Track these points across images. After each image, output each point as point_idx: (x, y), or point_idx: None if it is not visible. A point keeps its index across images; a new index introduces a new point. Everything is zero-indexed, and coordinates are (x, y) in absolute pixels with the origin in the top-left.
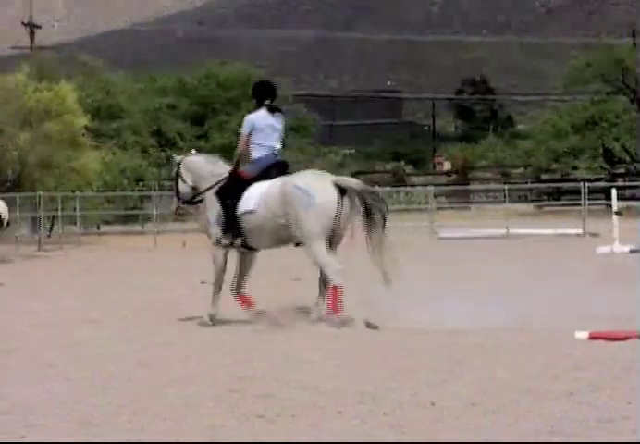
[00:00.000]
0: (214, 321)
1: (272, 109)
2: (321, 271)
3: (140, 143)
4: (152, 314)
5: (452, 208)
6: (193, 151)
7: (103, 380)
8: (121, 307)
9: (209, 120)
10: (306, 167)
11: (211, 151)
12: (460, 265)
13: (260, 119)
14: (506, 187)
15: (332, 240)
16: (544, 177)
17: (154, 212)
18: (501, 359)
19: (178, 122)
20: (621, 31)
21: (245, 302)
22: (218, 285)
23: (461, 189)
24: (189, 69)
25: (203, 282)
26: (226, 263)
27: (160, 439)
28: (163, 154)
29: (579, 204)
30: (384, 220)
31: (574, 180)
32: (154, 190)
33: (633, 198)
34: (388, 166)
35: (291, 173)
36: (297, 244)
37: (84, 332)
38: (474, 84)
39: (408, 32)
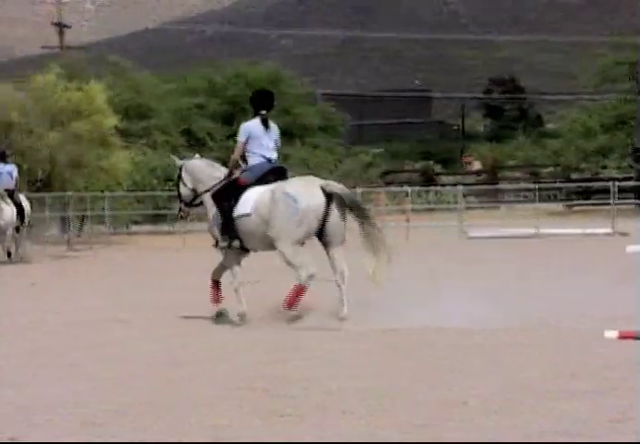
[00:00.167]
0: (244, 320)
1: (265, 121)
2: (337, 272)
3: (169, 143)
4: (180, 314)
5: (482, 208)
6: (196, 155)
7: (126, 380)
8: (150, 307)
9: (238, 120)
10: (335, 167)
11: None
12: (488, 264)
13: (255, 128)
14: (536, 186)
15: (332, 241)
16: (573, 176)
17: None
18: (525, 358)
19: (208, 122)
20: None
21: (214, 295)
22: (237, 284)
23: (490, 188)
24: (217, 69)
25: (231, 282)
26: (239, 263)
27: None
28: (192, 153)
29: (609, 204)
30: (367, 217)
31: (604, 180)
32: None
33: None
34: (418, 166)
35: (289, 177)
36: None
37: (112, 332)
38: (503, 83)
39: (436, 31)
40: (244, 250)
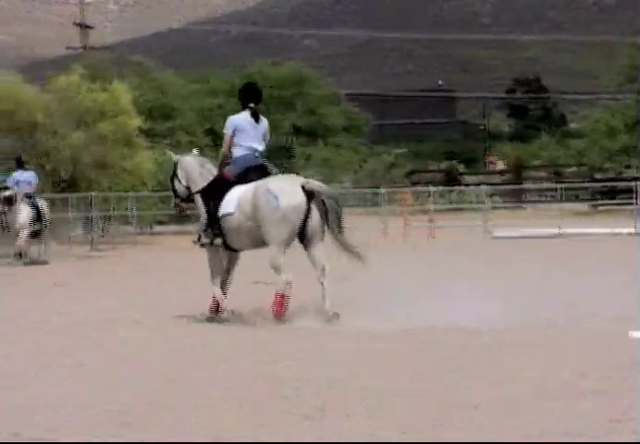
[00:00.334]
0: (228, 317)
1: (255, 114)
2: (317, 269)
3: (194, 143)
4: (196, 314)
5: (506, 208)
6: (194, 151)
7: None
8: (167, 307)
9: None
10: (360, 167)
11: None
12: (510, 264)
13: (242, 121)
14: (561, 186)
15: (312, 239)
16: (597, 176)
17: None
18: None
19: None
20: None
21: (216, 301)
22: (219, 282)
23: (514, 188)
24: (241, 69)
25: (256, 282)
26: (222, 263)
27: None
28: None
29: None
30: (339, 220)
31: (627, 180)
32: None
33: None
34: (442, 166)
35: (271, 175)
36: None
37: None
38: (527, 83)
39: (458, 31)
40: (231, 249)
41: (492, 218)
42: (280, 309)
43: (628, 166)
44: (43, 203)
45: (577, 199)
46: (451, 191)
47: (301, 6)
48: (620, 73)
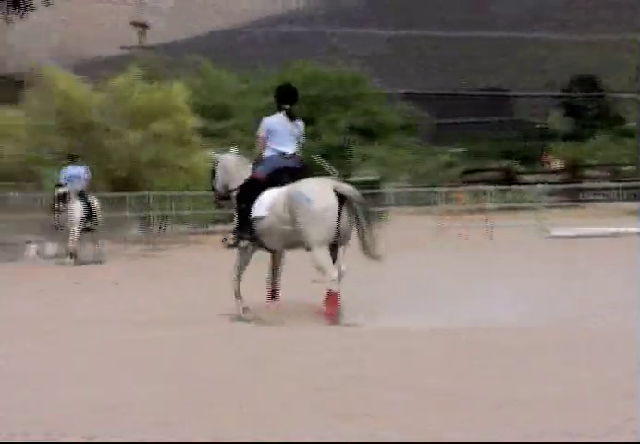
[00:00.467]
0: (246, 316)
1: (290, 115)
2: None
3: (249, 142)
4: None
5: (563, 207)
6: (232, 149)
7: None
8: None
9: (317, 119)
10: (416, 167)
11: (320, 150)
12: (566, 263)
13: (275, 123)
14: (618, 185)
15: (339, 242)
16: None
17: None
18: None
19: None
20: None
21: (271, 299)
22: (237, 280)
23: (571, 187)
24: (295, 69)
25: (314, 281)
26: (247, 264)
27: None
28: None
29: None
30: (369, 225)
31: None
32: None
33: None
34: (499, 165)
35: (305, 177)
36: (309, 249)
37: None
38: (583, 82)
39: (511, 30)
40: (267, 250)
41: (548, 217)
42: (331, 308)
43: None
44: (95, 202)
45: (634, 198)
46: (508, 190)
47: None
48: None
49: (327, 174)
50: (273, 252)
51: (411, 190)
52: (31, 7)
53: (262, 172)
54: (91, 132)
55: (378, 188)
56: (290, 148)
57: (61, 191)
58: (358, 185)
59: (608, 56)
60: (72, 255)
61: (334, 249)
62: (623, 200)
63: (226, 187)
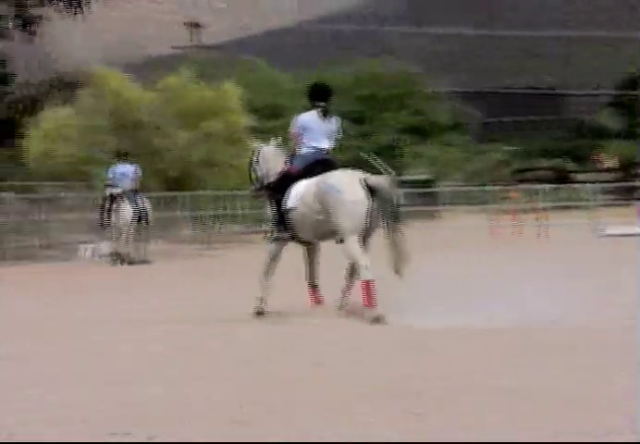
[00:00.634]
0: (262, 314)
1: (324, 112)
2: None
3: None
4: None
5: (616, 205)
6: (272, 141)
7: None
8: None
9: (371, 118)
10: (465, 166)
11: (372, 148)
12: (621, 263)
13: (309, 120)
14: None
15: (364, 235)
16: None
17: None
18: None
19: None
20: None
21: (313, 296)
22: (266, 276)
23: (624, 185)
24: (347, 68)
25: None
26: (278, 261)
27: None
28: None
29: None
30: (396, 218)
31: None
32: None
33: None
34: (551, 163)
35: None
36: (341, 240)
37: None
38: (635, 80)
39: (563, 29)
40: (301, 242)
41: (602, 216)
42: (370, 297)
43: None
44: (146, 202)
45: None
46: (560, 188)
47: (409, 4)
48: None
49: (380, 173)
50: (307, 244)
51: (464, 189)
52: (88, 5)
53: (296, 166)
54: (140, 131)
55: (431, 187)
56: (325, 144)
57: (113, 191)
58: (412, 184)
59: None
60: (119, 256)
61: (363, 241)
62: None
63: (265, 177)
